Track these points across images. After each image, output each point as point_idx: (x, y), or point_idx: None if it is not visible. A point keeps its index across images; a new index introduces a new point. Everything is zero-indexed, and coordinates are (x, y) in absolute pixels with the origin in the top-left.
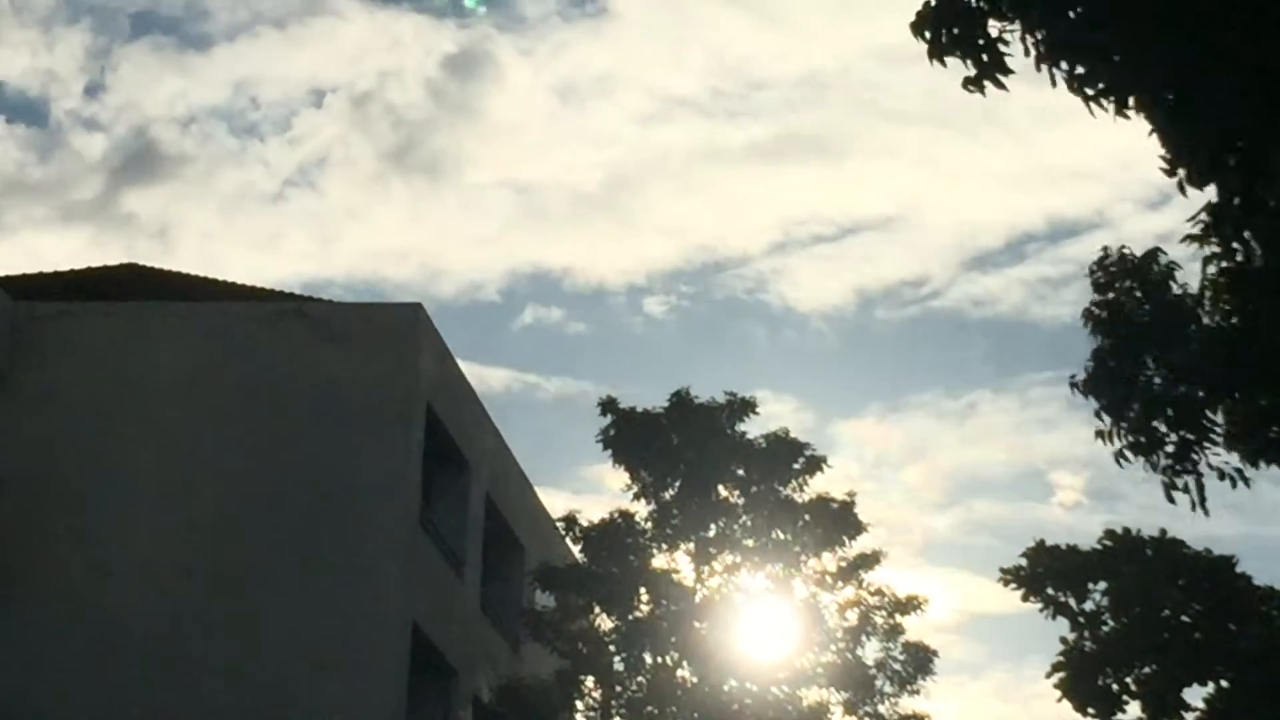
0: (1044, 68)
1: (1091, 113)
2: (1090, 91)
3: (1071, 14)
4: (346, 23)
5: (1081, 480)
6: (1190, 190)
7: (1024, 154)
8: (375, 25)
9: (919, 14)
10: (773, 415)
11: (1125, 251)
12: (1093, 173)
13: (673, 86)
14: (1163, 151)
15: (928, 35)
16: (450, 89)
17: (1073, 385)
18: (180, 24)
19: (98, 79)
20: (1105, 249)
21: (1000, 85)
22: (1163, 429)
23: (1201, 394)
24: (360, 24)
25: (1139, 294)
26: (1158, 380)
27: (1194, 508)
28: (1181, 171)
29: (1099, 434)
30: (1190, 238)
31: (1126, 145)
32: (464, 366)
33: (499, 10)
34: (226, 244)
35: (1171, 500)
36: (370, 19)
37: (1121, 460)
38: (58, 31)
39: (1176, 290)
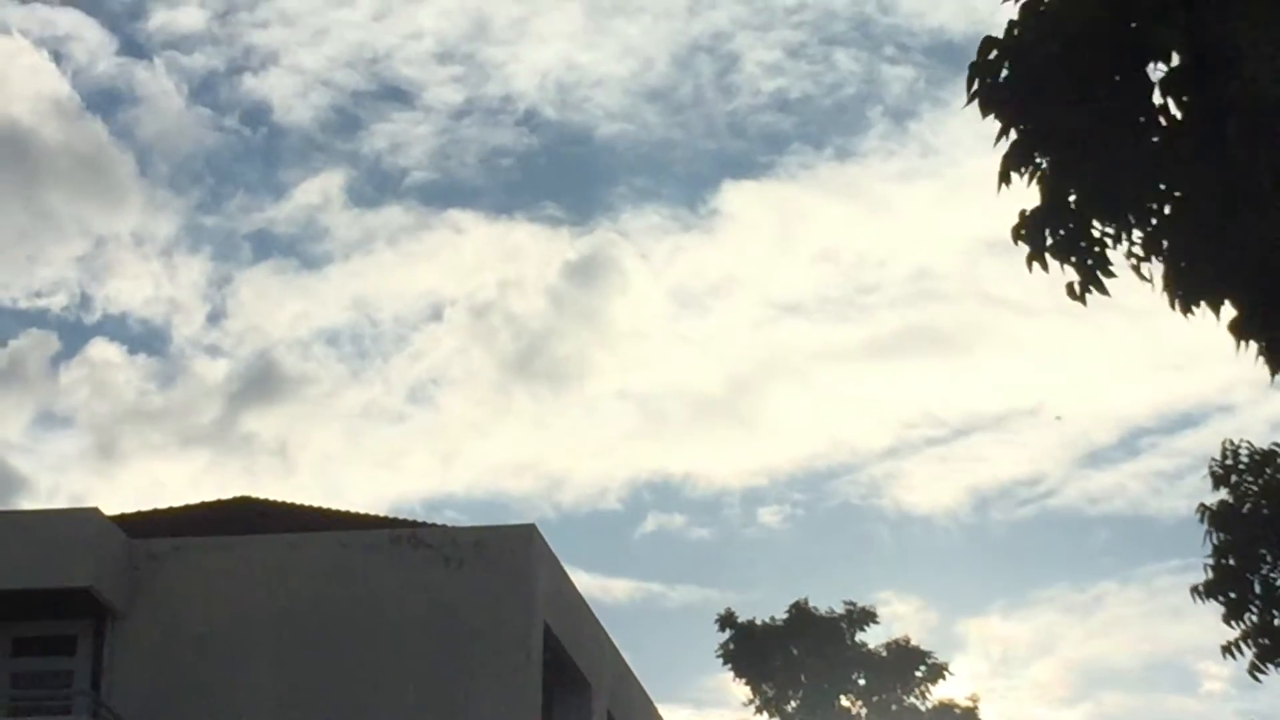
0: (1144, 270)
1: (1185, 316)
2: (1184, 291)
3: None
4: (462, 235)
5: (1226, 668)
6: None
7: (1138, 341)
8: (492, 236)
9: (1021, 218)
10: (897, 615)
11: (1244, 446)
12: (1209, 356)
13: (787, 287)
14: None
15: (1028, 238)
16: (571, 296)
17: (1194, 591)
18: (298, 243)
19: (219, 306)
20: (1226, 442)
21: (1104, 291)
22: None
23: None
24: (477, 235)
25: (1258, 489)
26: (1276, 577)
27: None
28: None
29: (1225, 649)
30: None
31: None
32: (586, 578)
33: (616, 217)
34: (347, 464)
35: None
36: (487, 230)
37: (1256, 675)
38: (179, 260)
39: None
